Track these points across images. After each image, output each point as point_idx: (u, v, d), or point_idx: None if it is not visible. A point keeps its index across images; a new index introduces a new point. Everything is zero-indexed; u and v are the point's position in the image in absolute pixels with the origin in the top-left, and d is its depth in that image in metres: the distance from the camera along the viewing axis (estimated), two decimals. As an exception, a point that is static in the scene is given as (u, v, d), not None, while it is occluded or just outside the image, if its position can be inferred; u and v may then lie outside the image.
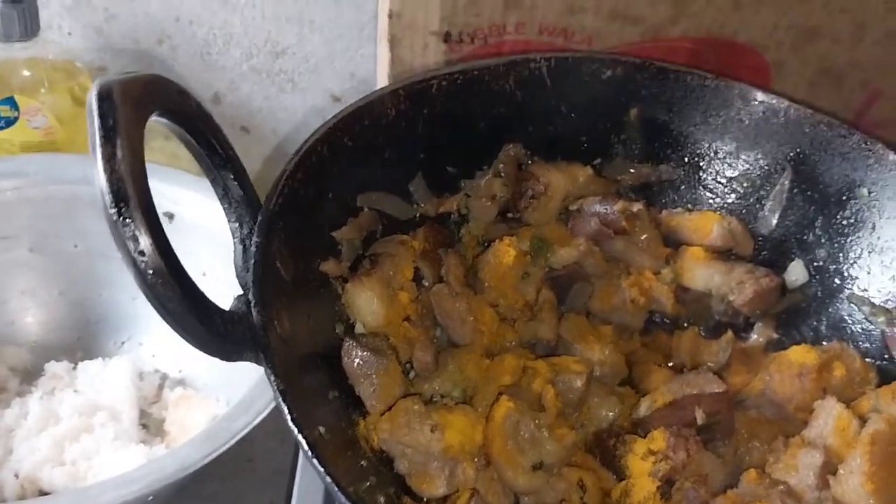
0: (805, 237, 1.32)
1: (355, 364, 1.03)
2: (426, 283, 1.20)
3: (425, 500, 1.03)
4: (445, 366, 1.13)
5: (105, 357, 1.40)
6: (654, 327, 1.33)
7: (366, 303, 1.10)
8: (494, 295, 1.22)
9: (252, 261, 0.91)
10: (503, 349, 1.19)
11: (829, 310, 1.30)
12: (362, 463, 0.97)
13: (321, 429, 0.88)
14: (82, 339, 1.46)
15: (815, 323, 1.30)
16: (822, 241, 1.31)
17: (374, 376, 1.04)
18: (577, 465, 1.10)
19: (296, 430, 0.77)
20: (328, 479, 0.73)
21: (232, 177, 0.97)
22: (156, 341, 1.36)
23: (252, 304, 0.87)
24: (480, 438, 1.04)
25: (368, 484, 0.95)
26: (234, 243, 0.97)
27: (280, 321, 0.91)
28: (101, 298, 1.45)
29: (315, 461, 0.74)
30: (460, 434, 1.02)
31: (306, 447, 0.75)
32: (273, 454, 1.40)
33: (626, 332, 1.29)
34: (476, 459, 1.03)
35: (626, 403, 1.17)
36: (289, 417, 0.77)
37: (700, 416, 1.09)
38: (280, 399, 0.79)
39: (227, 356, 0.84)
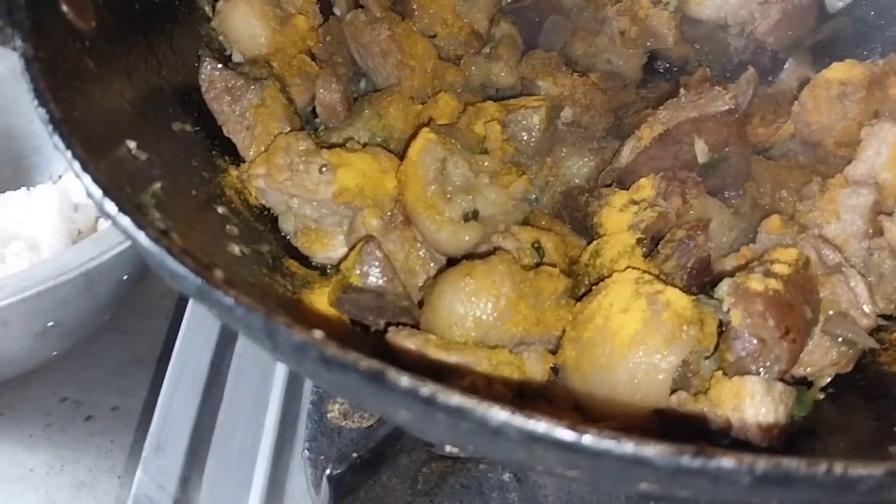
0: (856, -60, 0.99)
1: (217, 93, 0.76)
2: (338, 12, 0.91)
3: (319, 265, 0.76)
4: (360, 112, 0.85)
5: (30, 187, 1.23)
6: (656, 78, 1.02)
7: (241, 22, 0.82)
8: (429, 21, 0.91)
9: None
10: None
11: (886, 33, 0.97)
12: (218, 210, 0.70)
13: (130, 143, 0.61)
14: (15, 173, 1.31)
15: (864, 53, 0.98)
16: (880, -58, 0.98)
17: (246, 111, 0.76)
18: (540, 227, 0.82)
19: (37, 102, 0.49)
20: (75, 162, 0.46)
21: None
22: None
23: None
24: (393, 187, 0.76)
25: (226, 234, 0.68)
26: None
27: (77, 7, 0.64)
28: (32, 128, 1.28)
29: (57, 136, 0.47)
30: (360, 176, 0.74)
31: (46, 118, 0.48)
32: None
33: (618, 83, 0.99)
34: (387, 213, 0.75)
35: (608, 157, 0.87)
36: (31, 86, 0.50)
37: (701, 150, 0.79)
38: (24, 67, 0.52)
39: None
